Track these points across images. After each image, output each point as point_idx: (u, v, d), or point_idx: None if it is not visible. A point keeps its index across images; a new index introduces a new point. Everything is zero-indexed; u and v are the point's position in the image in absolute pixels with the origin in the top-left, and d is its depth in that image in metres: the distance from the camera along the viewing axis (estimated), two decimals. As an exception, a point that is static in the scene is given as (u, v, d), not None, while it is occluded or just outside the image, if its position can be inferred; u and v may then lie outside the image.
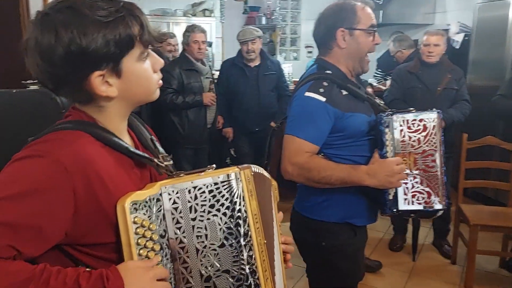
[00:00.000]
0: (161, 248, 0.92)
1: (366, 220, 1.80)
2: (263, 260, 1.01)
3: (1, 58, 4.30)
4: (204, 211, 0.96)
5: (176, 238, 0.95)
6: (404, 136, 1.66)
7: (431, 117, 1.67)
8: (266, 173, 1.17)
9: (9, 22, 4.38)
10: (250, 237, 0.99)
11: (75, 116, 0.97)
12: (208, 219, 0.96)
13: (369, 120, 1.72)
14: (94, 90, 0.92)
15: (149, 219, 0.90)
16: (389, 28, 5.47)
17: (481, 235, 2.94)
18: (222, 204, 0.97)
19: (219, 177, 0.98)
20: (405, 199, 1.67)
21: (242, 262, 0.97)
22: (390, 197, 1.66)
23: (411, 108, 1.72)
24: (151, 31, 0.96)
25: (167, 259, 0.94)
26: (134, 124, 1.11)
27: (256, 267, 0.99)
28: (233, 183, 0.98)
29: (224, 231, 0.97)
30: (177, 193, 0.95)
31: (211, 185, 0.97)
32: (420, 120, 1.67)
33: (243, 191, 0.99)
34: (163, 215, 0.94)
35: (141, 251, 0.89)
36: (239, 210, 0.98)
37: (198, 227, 0.96)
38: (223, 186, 0.98)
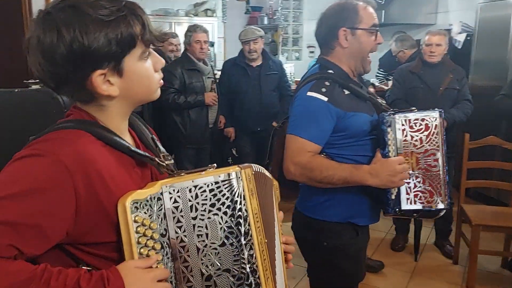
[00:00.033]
0: (162, 247, 0.92)
1: (368, 220, 1.80)
2: (264, 259, 1.01)
3: (3, 57, 4.31)
4: (205, 210, 0.96)
5: (177, 237, 0.95)
6: (406, 136, 1.65)
7: (433, 117, 1.67)
8: (267, 173, 1.17)
9: (12, 22, 4.39)
10: (251, 236, 0.99)
11: (76, 115, 0.97)
12: (209, 218, 0.96)
13: (371, 120, 1.72)
14: (95, 89, 0.92)
15: (150, 218, 0.90)
16: (391, 28, 5.47)
17: (483, 235, 2.93)
18: (223, 203, 0.97)
19: (219, 176, 0.98)
20: (408, 199, 1.67)
21: (243, 261, 0.97)
22: (393, 196, 1.66)
23: (413, 108, 1.72)
24: (153, 31, 0.97)
25: (168, 258, 0.94)
26: (135, 123, 1.11)
27: (256, 266, 0.99)
28: (234, 182, 0.98)
29: (224, 230, 0.97)
30: (178, 192, 0.95)
31: (212, 184, 0.97)
32: (422, 120, 1.66)
33: (243, 190, 0.99)
34: (164, 214, 0.94)
35: (141, 250, 0.89)
36: (240, 209, 0.98)
37: (198, 226, 0.96)
38: (224, 185, 0.98)
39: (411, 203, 1.67)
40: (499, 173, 3.73)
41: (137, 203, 0.88)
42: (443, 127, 1.69)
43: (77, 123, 0.94)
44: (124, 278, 0.86)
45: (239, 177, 0.99)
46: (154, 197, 0.92)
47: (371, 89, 4.01)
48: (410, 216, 1.84)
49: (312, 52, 7.62)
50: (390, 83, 4.33)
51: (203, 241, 0.96)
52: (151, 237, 0.90)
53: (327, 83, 1.65)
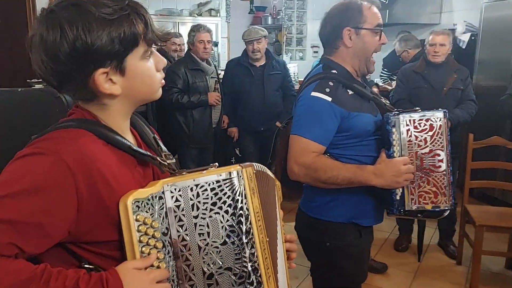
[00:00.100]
0: (164, 246, 0.92)
1: (372, 220, 1.79)
2: (265, 258, 1.01)
3: (6, 56, 4.32)
4: (206, 209, 0.96)
5: (179, 236, 0.95)
6: (410, 136, 1.65)
7: (437, 117, 1.66)
8: (269, 172, 1.17)
9: (15, 21, 4.41)
10: (252, 234, 0.99)
11: (78, 115, 0.97)
12: (210, 217, 0.96)
13: (375, 120, 1.72)
14: (98, 88, 0.93)
15: (152, 217, 0.90)
16: (395, 28, 5.45)
17: (486, 235, 2.92)
18: (224, 202, 0.97)
19: (221, 175, 0.98)
20: (412, 199, 1.66)
21: (244, 259, 0.97)
22: (397, 197, 1.65)
23: (417, 108, 1.71)
24: (155, 30, 0.97)
25: (170, 256, 0.94)
26: (137, 123, 1.11)
27: (258, 264, 0.99)
28: (235, 181, 0.98)
29: (226, 229, 0.97)
30: (179, 191, 0.95)
31: (213, 183, 0.97)
32: (427, 120, 1.66)
33: (245, 189, 0.99)
34: (166, 213, 0.94)
35: (143, 249, 0.89)
36: (241, 208, 0.98)
37: (200, 225, 0.96)
38: (225, 184, 0.98)
39: (415, 204, 1.67)
40: (503, 173, 3.71)
41: (138, 202, 0.89)
42: (447, 127, 1.69)
43: (79, 122, 0.94)
44: (123, 279, 0.86)
45: (241, 176, 0.99)
46: (156, 196, 0.92)
47: (375, 89, 4.02)
48: (414, 217, 1.84)
49: (316, 52, 7.61)
50: (394, 83, 4.33)
51: (205, 239, 0.96)
52: (153, 236, 0.90)
53: (331, 83, 1.64)
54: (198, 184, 0.96)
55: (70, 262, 0.91)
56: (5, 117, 1.61)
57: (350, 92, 1.68)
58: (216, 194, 0.97)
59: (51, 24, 0.88)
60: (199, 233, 0.96)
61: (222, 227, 0.97)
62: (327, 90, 1.62)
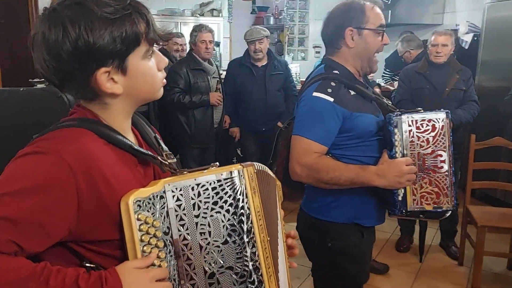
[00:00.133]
0: (165, 245, 0.92)
1: (374, 221, 1.79)
2: (267, 257, 1.01)
3: (9, 56, 4.33)
4: (207, 208, 0.96)
5: (180, 235, 0.95)
6: (413, 137, 1.65)
7: (439, 117, 1.66)
8: (270, 172, 1.17)
9: (17, 21, 4.41)
10: (253, 234, 0.98)
11: (79, 114, 0.98)
12: (212, 216, 0.96)
13: (377, 121, 1.72)
14: (99, 87, 0.93)
15: (153, 216, 0.90)
16: (397, 28, 5.45)
17: (488, 236, 2.91)
18: (225, 201, 0.97)
19: (222, 174, 0.98)
20: (414, 200, 1.66)
21: (246, 258, 0.97)
22: (399, 197, 1.65)
23: (419, 109, 1.71)
24: (157, 29, 0.97)
25: (171, 256, 0.94)
26: (138, 122, 1.12)
27: (259, 263, 0.99)
28: (236, 180, 0.98)
29: (227, 228, 0.97)
30: (180, 190, 0.95)
31: (214, 182, 0.97)
32: (429, 120, 1.66)
33: (246, 188, 0.99)
34: (167, 212, 0.94)
35: (145, 248, 0.89)
36: (242, 207, 0.98)
37: (201, 224, 0.96)
38: (226, 183, 0.98)
39: (417, 204, 1.66)
40: (505, 174, 3.71)
41: (140, 201, 0.89)
42: (450, 127, 1.69)
43: (80, 122, 0.94)
44: (122, 278, 0.86)
45: (242, 175, 0.99)
46: (157, 195, 0.93)
47: (377, 90, 4.01)
48: (416, 217, 1.83)
49: (318, 52, 7.60)
50: (396, 83, 4.32)
51: (206, 239, 0.96)
52: (154, 235, 0.90)
53: (333, 84, 1.64)
54: (199, 184, 0.96)
55: (71, 261, 0.91)
56: (7, 117, 1.61)
57: (352, 93, 1.68)
58: (217, 193, 0.97)
59: (53, 23, 0.88)
60: (200, 232, 0.96)
61: (223, 226, 0.97)
62: (329, 90, 1.62)
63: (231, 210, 0.97)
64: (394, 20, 5.68)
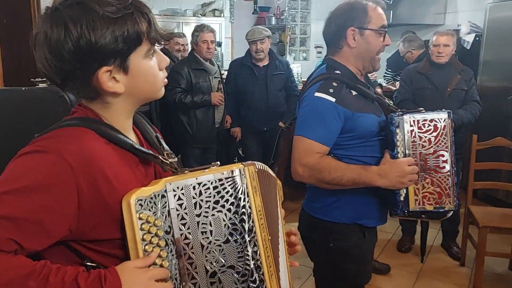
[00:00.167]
0: (166, 244, 0.93)
1: (376, 221, 1.78)
2: (268, 256, 1.01)
3: (11, 56, 4.33)
4: (208, 207, 0.96)
5: (181, 234, 0.95)
6: (415, 137, 1.64)
7: (441, 117, 1.66)
8: (270, 171, 1.17)
9: (19, 21, 4.42)
10: (255, 233, 0.98)
11: (80, 113, 0.98)
12: (213, 215, 0.96)
13: (379, 121, 1.71)
14: (101, 86, 0.93)
15: (154, 215, 0.91)
16: (399, 29, 5.44)
17: (490, 237, 2.91)
18: (227, 200, 0.97)
19: (223, 173, 0.97)
20: (416, 200, 1.66)
21: (247, 257, 0.97)
22: (401, 198, 1.65)
23: (421, 109, 1.71)
24: (158, 29, 0.97)
25: (172, 255, 0.94)
26: (139, 122, 1.12)
27: (260, 262, 0.98)
28: (237, 179, 0.98)
29: (228, 227, 0.97)
30: (181, 189, 0.95)
31: (216, 181, 0.97)
32: (431, 120, 1.65)
33: (247, 187, 0.99)
34: (168, 211, 0.94)
35: (146, 247, 0.89)
36: (244, 206, 0.98)
37: (203, 223, 0.96)
38: (227, 182, 0.97)
39: (419, 204, 1.66)
40: (507, 174, 3.70)
41: (141, 200, 0.89)
42: (452, 127, 1.68)
43: (81, 121, 0.95)
44: (121, 277, 0.86)
45: (243, 174, 0.99)
46: (158, 195, 0.93)
47: (379, 90, 4.01)
48: (418, 218, 1.83)
49: (319, 52, 7.61)
50: (397, 83, 4.32)
51: (207, 238, 0.96)
52: (156, 234, 0.90)
53: (334, 84, 1.64)
54: (201, 183, 0.96)
55: (72, 260, 0.91)
56: (9, 116, 1.61)
57: (354, 93, 1.68)
58: (218, 192, 0.97)
59: (55, 22, 0.89)
60: (201, 232, 0.95)
61: (225, 225, 0.97)
62: (331, 90, 1.62)
63: (233, 209, 0.97)
64: (395, 20, 5.67)
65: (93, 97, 0.97)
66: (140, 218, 0.88)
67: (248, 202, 0.99)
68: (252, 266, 0.98)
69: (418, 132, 1.65)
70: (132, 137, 1.04)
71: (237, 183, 0.98)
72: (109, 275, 0.85)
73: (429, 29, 5.76)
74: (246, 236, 0.97)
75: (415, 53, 4.15)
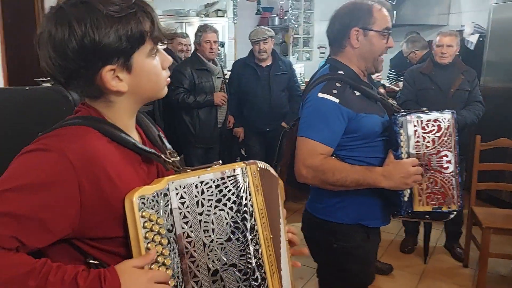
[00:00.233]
0: (169, 243, 0.93)
1: (380, 221, 1.78)
2: (270, 255, 1.02)
3: (15, 55, 4.35)
4: (211, 206, 0.96)
5: (184, 233, 0.95)
6: (418, 137, 1.64)
7: (445, 117, 1.65)
8: (272, 170, 1.17)
9: (24, 20, 4.44)
10: (257, 231, 0.99)
11: (84, 112, 0.98)
12: (215, 213, 0.96)
13: (382, 121, 1.71)
14: (105, 85, 0.93)
15: (157, 214, 0.91)
16: (402, 29, 5.43)
17: (494, 238, 2.90)
18: (229, 199, 0.97)
19: (225, 172, 0.98)
20: (420, 201, 1.65)
21: (249, 256, 0.97)
22: (405, 198, 1.64)
23: (424, 109, 1.70)
24: (161, 28, 0.98)
25: (175, 253, 0.95)
26: (142, 121, 1.12)
27: (262, 261, 0.99)
28: (239, 178, 0.98)
29: (230, 226, 0.97)
30: (184, 188, 0.95)
31: (218, 180, 0.97)
32: (435, 121, 1.65)
33: (249, 186, 0.99)
34: (171, 210, 0.94)
35: (149, 245, 0.89)
36: (246, 205, 0.98)
37: (205, 222, 0.96)
38: (229, 180, 0.98)
39: (423, 205, 1.65)
40: (510, 175, 3.69)
41: (144, 198, 0.89)
42: (455, 127, 1.68)
43: (84, 120, 0.95)
44: (121, 277, 0.86)
45: (245, 173, 0.99)
46: (161, 193, 0.93)
47: (382, 90, 4.00)
48: (421, 218, 1.82)
49: (322, 53, 7.60)
50: (401, 84, 4.31)
51: (209, 236, 0.96)
52: (158, 233, 0.90)
53: (338, 85, 1.63)
54: (203, 181, 0.96)
55: (75, 258, 0.92)
56: (13, 116, 1.62)
57: (357, 93, 1.68)
58: (220, 191, 0.97)
59: (59, 21, 0.89)
60: (203, 230, 0.96)
61: (227, 223, 0.97)
62: (335, 91, 1.62)
63: (235, 207, 0.98)
64: (399, 20, 5.66)
65: (96, 96, 0.97)
66: (142, 216, 0.88)
67: (250, 200, 0.99)
68: (254, 264, 0.98)
69: (422, 132, 1.64)
70: (135, 136, 1.04)
71: (239, 182, 0.98)
72: (108, 275, 0.85)
73: (432, 29, 5.75)
74: (248, 234, 0.98)
75: (419, 54, 4.15)
